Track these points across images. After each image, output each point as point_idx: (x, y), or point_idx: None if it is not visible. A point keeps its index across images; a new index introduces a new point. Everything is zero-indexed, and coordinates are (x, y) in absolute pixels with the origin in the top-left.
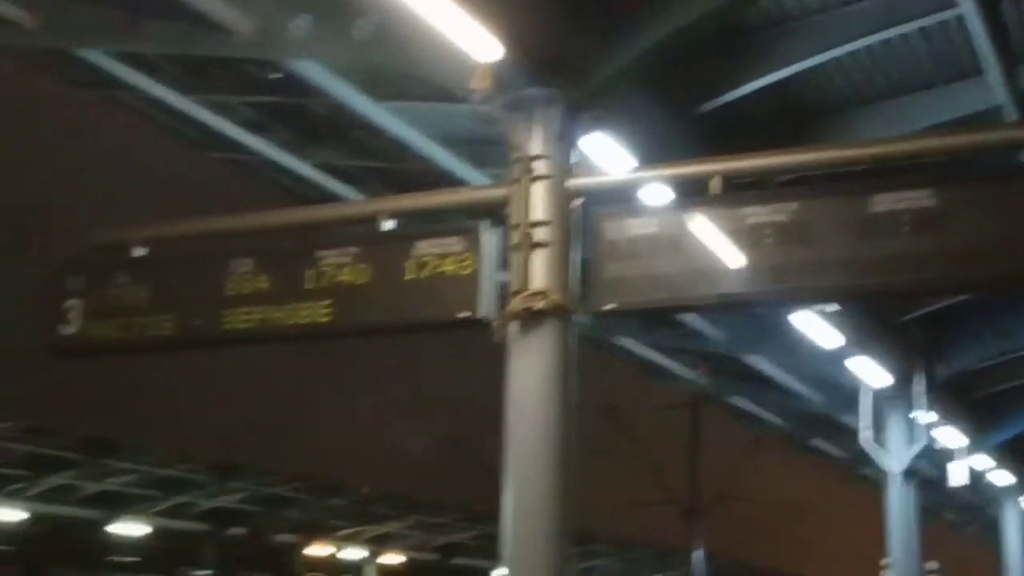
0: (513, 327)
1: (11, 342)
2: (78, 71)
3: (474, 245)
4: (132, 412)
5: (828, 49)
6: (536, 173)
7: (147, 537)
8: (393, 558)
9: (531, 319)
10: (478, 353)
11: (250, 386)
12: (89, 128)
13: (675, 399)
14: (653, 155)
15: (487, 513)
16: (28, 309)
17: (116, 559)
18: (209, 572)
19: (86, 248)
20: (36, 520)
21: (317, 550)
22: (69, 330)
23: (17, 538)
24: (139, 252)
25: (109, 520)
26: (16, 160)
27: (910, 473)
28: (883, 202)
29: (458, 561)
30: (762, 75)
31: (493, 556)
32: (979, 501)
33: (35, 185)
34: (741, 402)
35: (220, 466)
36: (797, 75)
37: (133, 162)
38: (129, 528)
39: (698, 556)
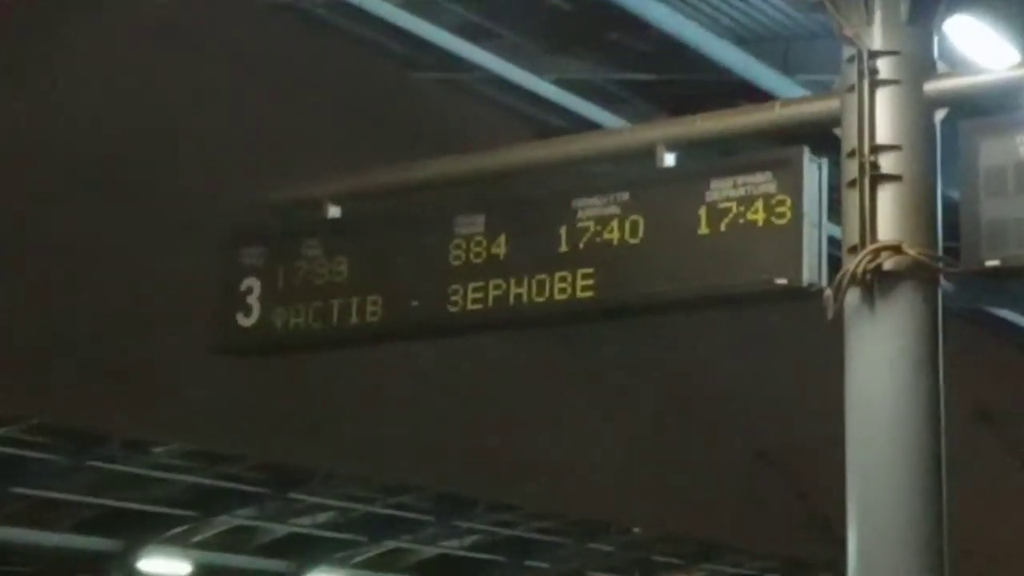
0: (852, 297)
1: (172, 338)
2: None
3: (792, 183)
4: (327, 429)
5: None
6: (879, 76)
7: None
8: None
9: (879, 284)
10: (785, 336)
11: (476, 392)
12: (257, 43)
13: None
14: None
15: (808, 558)
16: (194, 291)
17: None
18: None
19: (263, 209)
20: (205, 573)
21: None
22: (248, 320)
23: None
24: (333, 212)
25: (299, 573)
26: (159, 87)
27: None
28: None
29: None
30: None
31: None
32: None
33: (178, 117)
34: None
35: (443, 499)
36: None
37: (317, 86)
38: None
39: None
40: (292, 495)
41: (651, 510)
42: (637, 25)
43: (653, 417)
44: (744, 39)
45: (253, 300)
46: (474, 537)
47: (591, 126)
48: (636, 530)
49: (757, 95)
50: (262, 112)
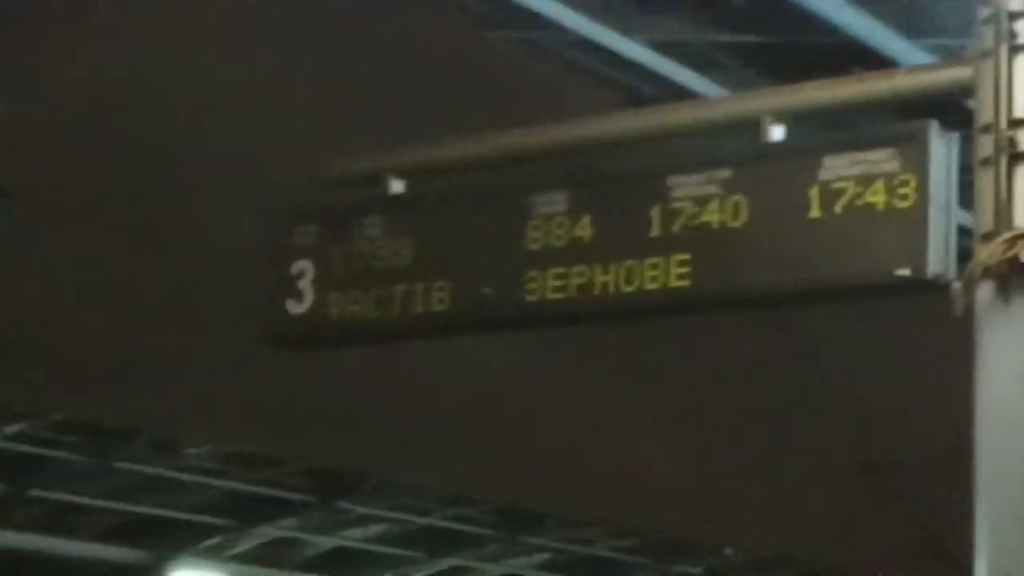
0: (984, 291)
1: (209, 327)
2: None
3: (917, 162)
4: (380, 431)
5: None
6: (1020, 40)
7: None
8: None
9: (1015, 277)
10: (901, 331)
11: (549, 392)
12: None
13: None
14: None
15: None
16: (237, 275)
17: None
18: None
19: (319, 184)
20: None
21: None
22: (299, 307)
23: None
24: (396, 187)
25: None
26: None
27: None
28: None
29: None
30: None
31: None
32: None
33: (225, 81)
34: None
35: (509, 512)
36: None
37: (379, 47)
38: None
39: None
40: (340, 504)
41: (743, 529)
42: None
43: (746, 424)
44: None
45: (305, 285)
46: (544, 555)
47: (686, 94)
48: (727, 551)
49: (876, 61)
50: (319, 77)
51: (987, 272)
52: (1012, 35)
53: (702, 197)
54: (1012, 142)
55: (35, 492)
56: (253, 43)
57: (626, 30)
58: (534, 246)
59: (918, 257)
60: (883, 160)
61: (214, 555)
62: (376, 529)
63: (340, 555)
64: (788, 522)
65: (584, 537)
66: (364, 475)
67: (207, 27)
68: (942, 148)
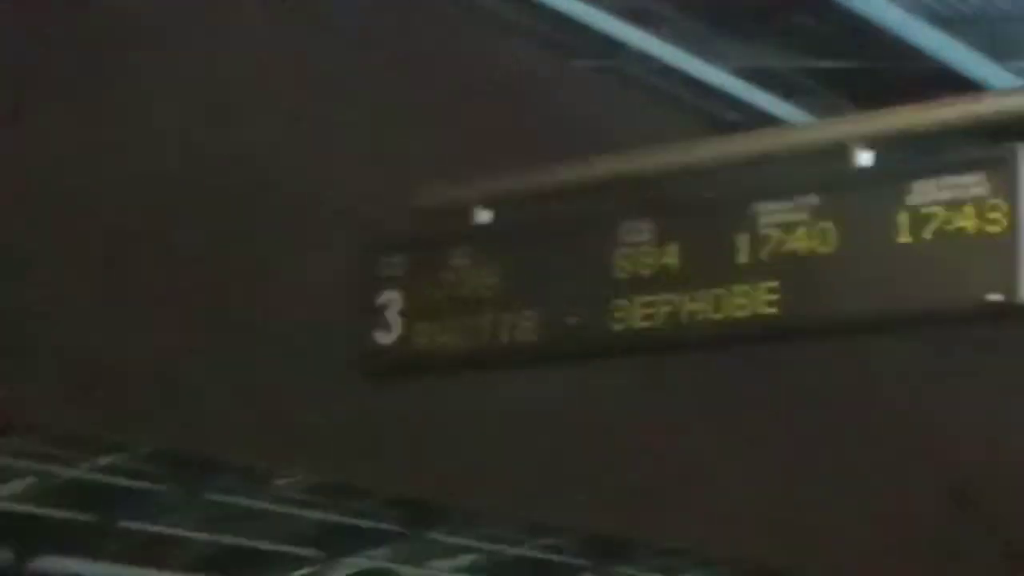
0: None
1: (298, 357)
2: None
3: (1007, 185)
4: (467, 460)
5: None
6: None
7: None
8: None
9: None
10: (989, 351)
11: (636, 420)
12: (396, 27)
13: None
14: None
15: None
16: (324, 305)
17: None
18: None
19: (405, 214)
20: None
21: None
22: (387, 337)
23: None
24: (483, 217)
25: None
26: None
27: None
28: None
29: None
30: None
31: None
32: None
33: (311, 110)
34: None
35: (600, 540)
36: None
37: (464, 77)
38: None
39: None
40: (429, 535)
41: (831, 558)
42: (822, 5)
43: (834, 451)
44: (946, 20)
45: (393, 315)
46: None
47: (769, 120)
48: None
49: (959, 84)
50: (403, 105)
51: None
52: None
53: (790, 224)
54: None
55: (125, 523)
56: (340, 72)
57: (710, 57)
58: (621, 275)
59: (1010, 282)
60: (973, 184)
61: None
62: (466, 559)
63: None
64: (872, 553)
65: (675, 566)
66: (453, 505)
67: (299, 65)
68: None
